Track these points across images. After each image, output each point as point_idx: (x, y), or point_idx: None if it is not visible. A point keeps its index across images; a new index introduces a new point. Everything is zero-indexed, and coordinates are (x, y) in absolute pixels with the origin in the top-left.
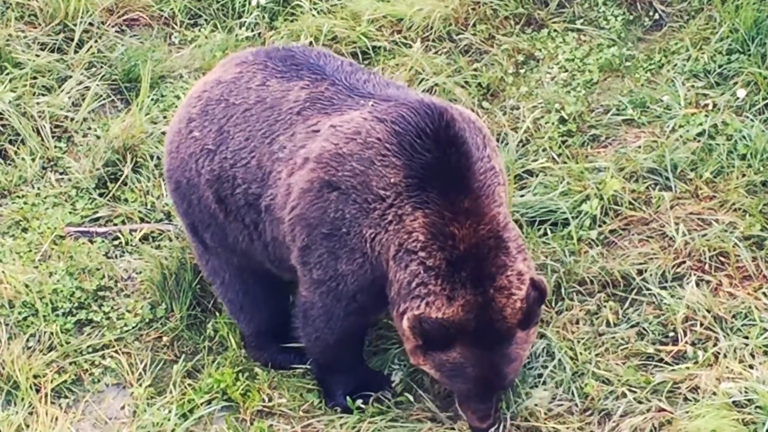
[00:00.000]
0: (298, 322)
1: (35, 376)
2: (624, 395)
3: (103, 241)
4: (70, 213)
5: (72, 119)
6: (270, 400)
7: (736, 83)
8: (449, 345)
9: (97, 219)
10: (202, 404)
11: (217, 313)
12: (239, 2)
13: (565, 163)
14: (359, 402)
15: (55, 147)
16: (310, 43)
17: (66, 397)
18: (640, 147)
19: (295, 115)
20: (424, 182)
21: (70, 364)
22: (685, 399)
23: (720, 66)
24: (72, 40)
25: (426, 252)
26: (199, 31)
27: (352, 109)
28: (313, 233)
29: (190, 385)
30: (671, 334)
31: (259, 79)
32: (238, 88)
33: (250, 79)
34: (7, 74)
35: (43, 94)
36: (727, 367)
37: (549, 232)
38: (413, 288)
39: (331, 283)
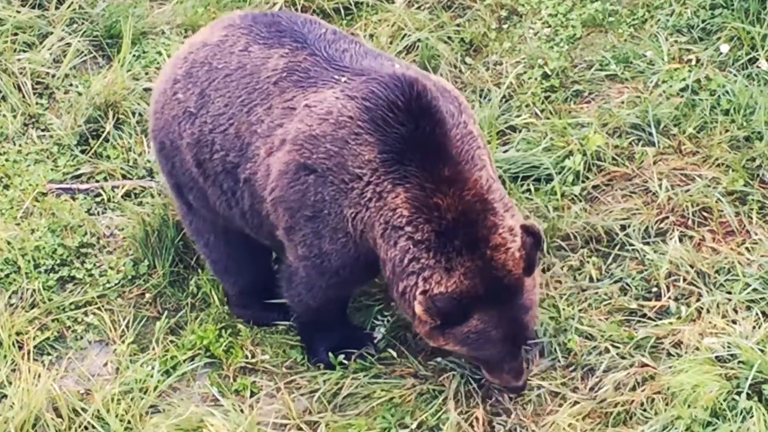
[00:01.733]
0: (284, 283)
1: (18, 333)
2: (607, 351)
3: (85, 198)
4: (51, 170)
5: (53, 76)
6: (253, 356)
7: (719, 38)
8: (466, 316)
9: (79, 176)
10: (184, 361)
11: (200, 270)
12: None
13: (548, 118)
14: (342, 358)
15: (37, 104)
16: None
17: (48, 354)
18: (623, 102)
19: (272, 85)
20: (400, 156)
21: (53, 321)
22: (668, 354)
23: (703, 21)
24: None
25: (412, 226)
26: None
27: (327, 85)
28: (296, 216)
29: (172, 341)
30: (654, 289)
31: (242, 44)
32: (222, 51)
33: (233, 44)
34: None
35: (24, 51)
36: (709, 323)
37: (532, 187)
38: (406, 265)
39: (315, 259)
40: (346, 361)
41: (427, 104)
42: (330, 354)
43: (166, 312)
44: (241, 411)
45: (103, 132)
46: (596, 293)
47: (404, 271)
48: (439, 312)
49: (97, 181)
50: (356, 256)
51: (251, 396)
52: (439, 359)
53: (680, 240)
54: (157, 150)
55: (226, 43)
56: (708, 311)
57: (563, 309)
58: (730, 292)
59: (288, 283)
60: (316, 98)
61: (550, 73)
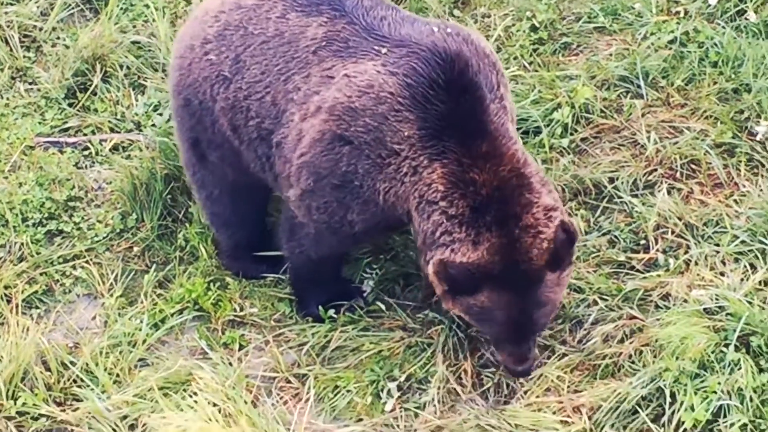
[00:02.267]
0: (283, 233)
1: (6, 287)
2: (595, 303)
3: (72, 152)
4: (39, 123)
5: (41, 29)
6: (241, 309)
7: None
8: (476, 289)
9: (67, 129)
10: (173, 314)
11: (188, 224)
12: None
13: (536, 71)
14: (331, 312)
15: (24, 57)
16: None
17: (37, 307)
18: (611, 55)
19: (312, 54)
20: (439, 133)
21: (41, 274)
22: (656, 306)
23: None
24: None
25: (447, 201)
26: None
27: (367, 56)
28: (322, 182)
29: (161, 295)
30: (642, 241)
31: (279, 10)
32: (258, 17)
33: (270, 9)
34: None
35: (11, 4)
36: (698, 275)
37: (520, 140)
38: (437, 237)
39: (334, 224)
40: (335, 315)
41: (469, 81)
42: (320, 307)
43: (154, 265)
44: (230, 364)
45: (90, 85)
46: (584, 246)
47: (435, 243)
48: (448, 278)
49: (85, 135)
50: (378, 221)
51: (240, 349)
52: (427, 312)
53: (668, 192)
54: (179, 105)
55: (262, 8)
56: (696, 263)
57: None
58: (718, 245)
59: (290, 234)
60: (356, 69)
61: (538, 25)
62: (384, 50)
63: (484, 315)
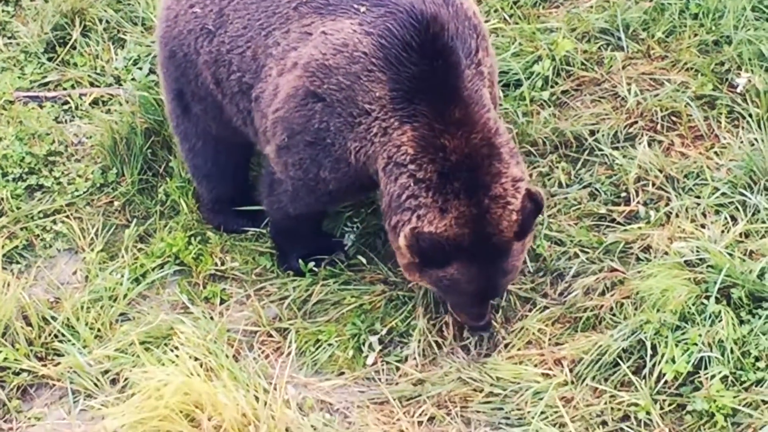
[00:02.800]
0: (263, 188)
1: None
2: (576, 256)
3: (52, 106)
4: (18, 78)
5: None
6: (222, 263)
7: None
8: (446, 262)
9: (47, 84)
10: (154, 268)
11: (169, 178)
12: None
13: (516, 23)
14: (312, 265)
15: (3, 11)
16: None
17: (18, 262)
18: (591, 7)
19: (292, 10)
20: (410, 95)
21: (21, 229)
22: (637, 259)
23: None
24: None
25: (416, 165)
26: None
27: (346, 14)
28: (296, 137)
29: (141, 249)
30: (623, 194)
31: None
32: None
33: None
34: None
35: None
36: (678, 227)
37: (501, 93)
38: (403, 201)
39: (309, 182)
40: (316, 268)
41: (443, 45)
42: (300, 261)
43: (135, 220)
44: (211, 318)
45: (70, 39)
46: (565, 198)
47: (400, 206)
48: (420, 251)
49: (65, 89)
50: (352, 180)
51: (221, 303)
52: None
53: (649, 145)
54: (165, 56)
55: None
56: (677, 216)
57: None
58: (699, 197)
59: (269, 190)
60: (334, 27)
61: None
62: (363, 9)
63: (452, 286)
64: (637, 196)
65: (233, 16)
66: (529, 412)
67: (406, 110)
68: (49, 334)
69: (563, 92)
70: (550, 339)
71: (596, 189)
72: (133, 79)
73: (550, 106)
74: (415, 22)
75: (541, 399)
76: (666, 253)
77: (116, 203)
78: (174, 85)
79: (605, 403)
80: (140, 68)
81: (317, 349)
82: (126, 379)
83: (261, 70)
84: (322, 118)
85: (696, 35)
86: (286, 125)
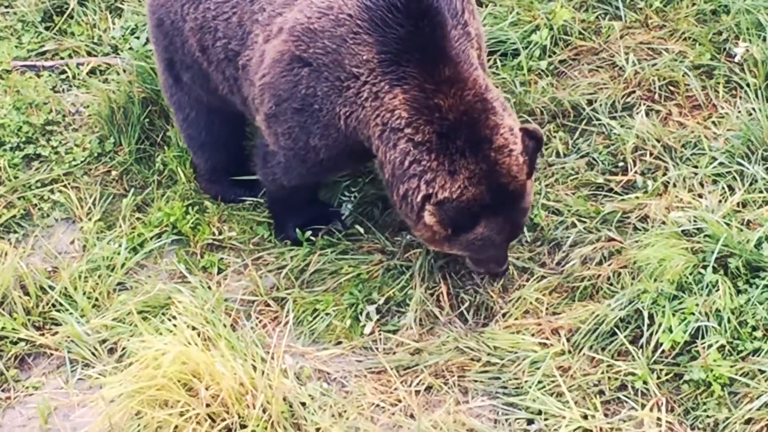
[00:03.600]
0: (257, 159)
1: None
2: (574, 225)
3: (50, 75)
4: (16, 47)
5: None
6: (220, 233)
7: None
8: (474, 224)
9: (44, 53)
10: (151, 238)
11: (166, 147)
12: None
13: None
14: (309, 235)
15: None
16: None
17: (15, 231)
18: None
19: None
20: (398, 57)
21: (19, 198)
22: (635, 228)
23: None
24: None
25: (412, 128)
26: None
27: None
28: (283, 105)
29: (139, 219)
30: (621, 164)
31: None
32: None
33: None
34: None
35: None
36: (676, 197)
37: (499, 62)
38: (407, 167)
39: (299, 151)
40: (313, 238)
41: (428, 6)
42: (298, 230)
43: (132, 189)
44: (209, 288)
45: (67, 8)
46: (563, 168)
47: (405, 174)
48: (451, 221)
49: (62, 59)
50: (344, 146)
51: (218, 273)
52: (405, 233)
53: (647, 114)
54: (154, 25)
55: None
56: (674, 185)
57: None
58: (696, 166)
59: (263, 162)
60: None
61: None
62: None
63: (484, 244)
64: (635, 165)
65: None
66: (526, 381)
67: (395, 73)
68: (47, 304)
69: (561, 62)
70: (547, 308)
71: (594, 158)
72: (130, 48)
73: (547, 76)
74: None
75: (538, 368)
76: (663, 223)
77: (114, 173)
78: (164, 54)
79: (602, 373)
80: (137, 37)
81: (315, 318)
82: (123, 348)
83: (247, 37)
84: (308, 83)
85: (694, 4)
86: (273, 92)
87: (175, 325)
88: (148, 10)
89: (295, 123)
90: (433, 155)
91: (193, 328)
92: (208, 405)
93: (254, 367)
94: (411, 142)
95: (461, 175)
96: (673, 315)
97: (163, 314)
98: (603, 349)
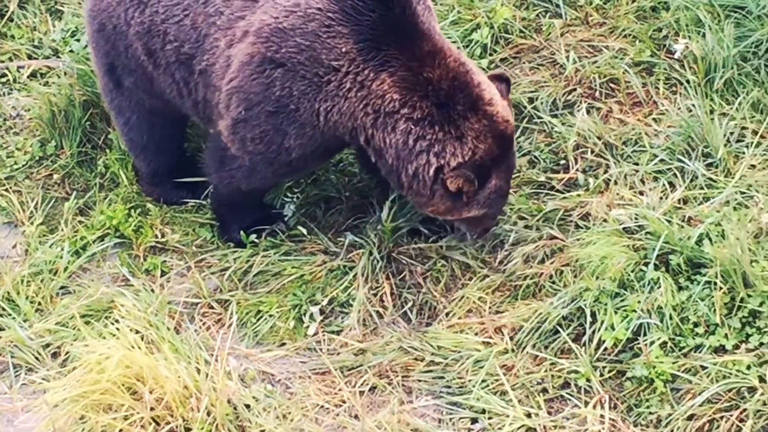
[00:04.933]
0: (212, 162)
1: None
2: (515, 223)
3: None
4: None
5: None
6: (163, 236)
7: None
8: (490, 177)
9: None
10: (94, 241)
11: (108, 150)
12: None
13: None
14: (253, 237)
15: None
16: None
17: None
18: None
19: None
20: (377, 43)
21: None
22: (577, 226)
23: None
24: None
25: (408, 107)
26: None
27: None
28: (255, 109)
29: (81, 222)
30: (562, 161)
31: None
32: None
33: None
34: None
35: None
36: (617, 194)
37: None
38: (412, 146)
39: (270, 154)
40: (256, 240)
41: None
42: (241, 232)
43: (74, 192)
44: (152, 291)
45: (7, 11)
46: None
47: (412, 152)
48: (471, 178)
49: (2, 62)
50: (318, 145)
51: (162, 275)
52: (348, 234)
53: (588, 112)
54: (94, 30)
55: None
56: (615, 183)
57: None
58: (637, 164)
59: (220, 165)
60: None
61: None
62: None
63: (498, 196)
64: (576, 163)
65: None
66: (470, 380)
67: (377, 58)
68: None
69: (502, 60)
70: (490, 307)
71: (535, 157)
72: (71, 51)
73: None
74: None
75: (481, 367)
76: (605, 221)
77: (55, 176)
78: (105, 60)
79: (545, 371)
80: (78, 40)
81: (258, 320)
82: (67, 352)
83: (204, 39)
84: (283, 84)
85: (634, 1)
86: (243, 96)
87: (118, 329)
88: (87, 16)
89: (269, 126)
90: (437, 127)
91: (137, 332)
92: (152, 408)
93: (198, 370)
94: (410, 120)
95: (469, 137)
96: (615, 312)
97: (106, 318)
98: (546, 348)
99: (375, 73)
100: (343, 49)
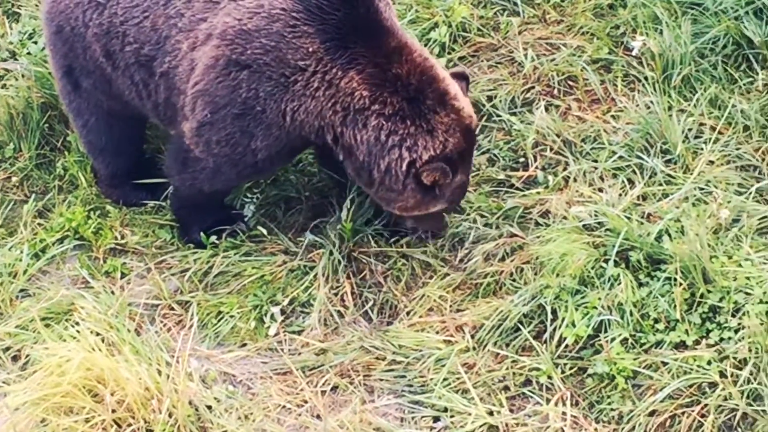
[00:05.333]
0: (174, 164)
1: None
2: (475, 221)
3: None
4: None
5: None
6: (122, 237)
7: None
8: (457, 171)
9: None
10: (53, 244)
11: (66, 152)
12: None
13: None
14: (213, 238)
15: None
16: None
17: None
18: None
19: None
20: (344, 41)
21: None
22: (536, 224)
23: None
24: None
25: (379, 103)
26: None
27: None
28: (221, 112)
29: (41, 224)
30: (521, 159)
31: None
32: None
33: None
34: None
35: None
36: (576, 191)
37: None
38: (384, 141)
39: (235, 156)
40: (217, 241)
41: None
42: (202, 234)
43: (33, 195)
44: (112, 293)
45: None
46: None
47: (384, 148)
48: (445, 171)
49: None
50: (284, 146)
51: (122, 277)
52: (308, 233)
53: (546, 109)
54: (52, 32)
55: None
56: (575, 180)
57: None
58: (596, 161)
59: (182, 167)
60: None
61: None
62: None
63: (462, 190)
64: (535, 161)
65: None
66: (431, 379)
67: (344, 57)
68: None
69: (460, 58)
70: (451, 305)
71: (494, 155)
72: (28, 53)
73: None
74: None
75: (443, 366)
76: (564, 218)
77: (14, 179)
78: (63, 62)
79: (507, 368)
80: (35, 42)
81: (219, 321)
82: (27, 355)
83: (165, 41)
84: (249, 85)
85: None
86: (208, 99)
87: (78, 331)
88: (44, 18)
89: (236, 129)
90: (408, 122)
91: (97, 334)
92: (113, 411)
93: (159, 372)
94: (382, 116)
95: (439, 130)
96: (576, 309)
97: (66, 320)
98: (507, 345)
99: (343, 71)
100: (310, 49)
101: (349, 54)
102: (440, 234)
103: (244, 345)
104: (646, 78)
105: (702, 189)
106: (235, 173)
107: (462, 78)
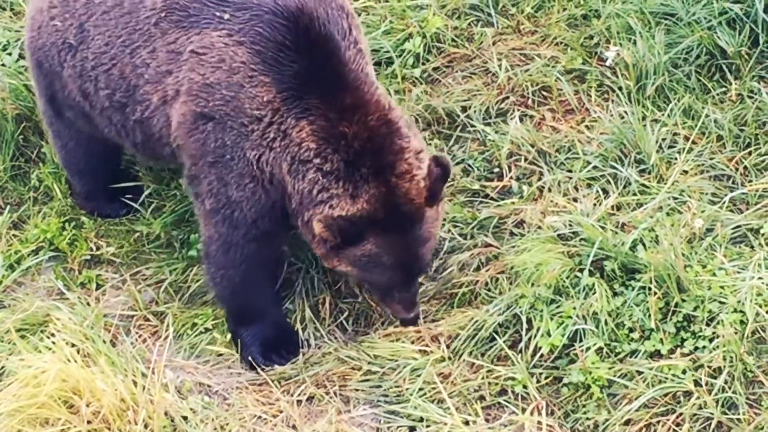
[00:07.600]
0: (206, 269)
1: None
2: (450, 231)
3: None
4: None
5: None
6: (98, 248)
7: None
8: (362, 238)
9: None
10: (28, 255)
11: (41, 164)
12: None
13: (386, 1)
14: (276, 363)
15: None
16: None
17: None
18: None
19: (153, 26)
20: (299, 92)
21: None
22: (511, 234)
23: None
24: None
25: (321, 158)
26: None
27: (210, 26)
28: (199, 163)
29: (15, 236)
30: (496, 169)
31: None
32: None
33: None
34: None
35: None
36: (551, 201)
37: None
38: (315, 195)
39: (225, 211)
40: (279, 366)
41: (317, 36)
42: (263, 355)
43: (8, 206)
44: (87, 304)
45: None
46: None
47: (312, 201)
48: (338, 230)
49: None
50: (271, 203)
51: (97, 288)
52: (284, 248)
53: (521, 120)
54: (33, 65)
55: None
56: (549, 190)
57: None
58: (570, 171)
59: (208, 261)
60: (203, 44)
61: None
62: (227, 15)
63: (372, 263)
64: (510, 171)
65: (94, 32)
66: (407, 389)
67: (299, 106)
68: None
69: (435, 69)
70: (426, 315)
71: (469, 165)
72: (2, 65)
73: (421, 84)
74: (282, 21)
75: (419, 376)
76: (539, 228)
77: None
78: (45, 91)
79: (482, 378)
80: (9, 54)
81: (195, 332)
82: (2, 367)
83: (134, 90)
84: (216, 135)
85: (565, 9)
86: (187, 153)
87: (54, 343)
88: (27, 49)
89: (213, 176)
90: (340, 182)
91: (73, 345)
92: (89, 422)
93: (135, 383)
94: (320, 171)
95: (361, 198)
96: (551, 319)
97: (42, 332)
98: (483, 355)
99: (296, 120)
100: (265, 98)
101: (303, 104)
102: (405, 319)
103: (220, 356)
104: (620, 88)
105: (676, 198)
106: (240, 237)
107: (439, 164)
